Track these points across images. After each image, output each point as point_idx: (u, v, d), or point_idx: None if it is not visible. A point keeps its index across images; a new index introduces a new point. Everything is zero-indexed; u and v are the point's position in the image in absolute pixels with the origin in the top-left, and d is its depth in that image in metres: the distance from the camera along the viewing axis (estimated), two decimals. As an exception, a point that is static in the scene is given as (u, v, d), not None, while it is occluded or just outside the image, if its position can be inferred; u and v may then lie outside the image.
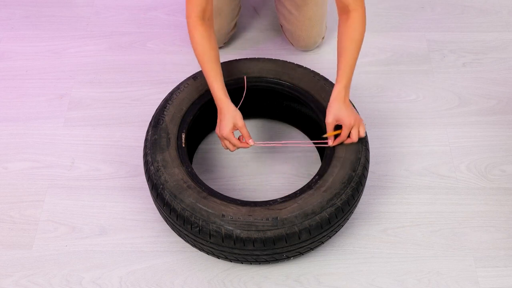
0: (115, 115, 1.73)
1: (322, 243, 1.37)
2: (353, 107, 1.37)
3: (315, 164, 1.59)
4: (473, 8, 2.02)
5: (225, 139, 1.35)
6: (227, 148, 1.37)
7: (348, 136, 1.33)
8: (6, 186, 1.58)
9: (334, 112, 1.32)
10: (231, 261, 1.39)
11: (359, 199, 1.38)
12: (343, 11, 1.35)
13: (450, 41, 1.91)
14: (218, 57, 1.38)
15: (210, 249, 1.32)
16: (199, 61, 1.38)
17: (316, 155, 1.61)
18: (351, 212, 1.37)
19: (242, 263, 1.41)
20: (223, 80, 1.37)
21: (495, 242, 1.45)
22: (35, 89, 1.80)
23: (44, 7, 2.05)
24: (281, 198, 1.30)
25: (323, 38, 1.86)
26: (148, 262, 1.43)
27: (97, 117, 1.72)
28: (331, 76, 1.49)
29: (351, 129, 1.32)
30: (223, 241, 1.27)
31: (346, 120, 1.31)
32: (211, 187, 1.43)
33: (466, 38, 1.92)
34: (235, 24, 1.87)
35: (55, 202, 1.55)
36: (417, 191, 1.55)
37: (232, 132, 1.34)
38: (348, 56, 1.34)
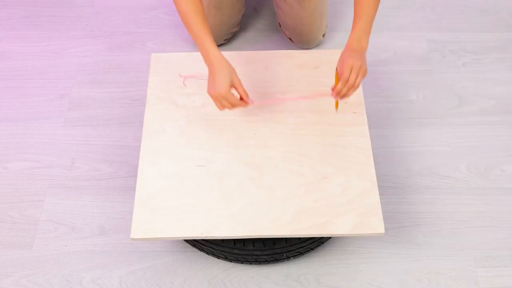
0: (115, 115, 1.73)
1: (322, 243, 1.37)
2: (364, 58, 1.27)
3: (315, 164, 1.59)
4: (473, 8, 2.02)
5: (223, 98, 1.23)
6: (223, 109, 1.25)
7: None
8: (6, 186, 1.58)
9: (343, 59, 1.24)
10: (231, 261, 1.39)
11: (359, 199, 1.38)
12: None
13: (450, 41, 1.91)
14: (204, 14, 1.29)
15: (210, 249, 1.32)
16: (185, 20, 1.28)
17: (316, 155, 1.61)
18: (351, 212, 1.37)
19: (242, 263, 1.41)
20: (213, 38, 1.29)
21: (495, 242, 1.46)
22: (35, 89, 1.81)
23: (44, 7, 2.05)
24: (281, 198, 1.30)
25: (323, 35, 1.86)
26: (148, 262, 1.43)
27: (97, 117, 1.72)
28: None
29: (351, 71, 1.22)
30: (223, 241, 1.27)
31: (348, 60, 1.22)
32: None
33: (466, 38, 1.92)
34: (239, 23, 1.87)
35: (55, 202, 1.55)
36: (417, 191, 1.55)
37: (230, 90, 1.23)
38: (365, 4, 1.27)
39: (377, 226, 1.20)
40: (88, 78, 1.83)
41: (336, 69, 1.28)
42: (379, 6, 1.34)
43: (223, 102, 1.23)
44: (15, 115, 1.74)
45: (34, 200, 1.55)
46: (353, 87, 1.23)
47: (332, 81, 1.44)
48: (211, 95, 1.24)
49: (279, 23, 1.88)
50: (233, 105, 1.24)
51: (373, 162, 1.29)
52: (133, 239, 1.20)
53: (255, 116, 1.37)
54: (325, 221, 1.20)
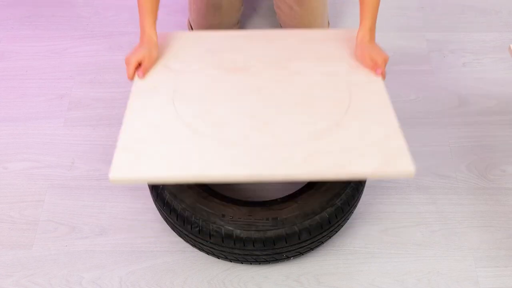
0: (115, 115, 1.73)
1: (322, 243, 1.37)
2: (380, 47, 1.35)
3: (315, 164, 1.59)
4: (473, 8, 2.02)
5: (127, 63, 1.31)
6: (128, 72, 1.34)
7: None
8: (6, 186, 1.58)
9: (368, 52, 1.31)
10: (231, 261, 1.39)
11: (359, 199, 1.38)
12: None
13: (450, 41, 1.91)
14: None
15: (210, 249, 1.32)
16: None
17: (316, 155, 1.61)
18: (351, 212, 1.37)
19: (242, 263, 1.41)
20: (156, 17, 1.34)
21: (495, 242, 1.46)
22: (35, 89, 1.81)
23: (44, 7, 2.06)
24: (281, 198, 1.30)
25: None
26: (148, 262, 1.43)
27: (97, 117, 1.72)
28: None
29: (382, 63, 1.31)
30: (223, 241, 1.28)
31: (380, 57, 1.30)
32: (211, 187, 1.43)
33: (466, 38, 1.92)
34: (238, 22, 1.87)
35: (55, 202, 1.55)
36: (417, 191, 1.55)
37: (135, 63, 1.30)
38: (370, 4, 1.33)
39: (405, 166, 1.05)
40: (88, 78, 1.83)
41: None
42: (379, 6, 1.35)
43: (127, 67, 1.32)
44: (15, 115, 1.74)
45: (34, 200, 1.55)
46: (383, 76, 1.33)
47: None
48: (125, 59, 1.34)
49: (280, 23, 1.88)
50: (128, 74, 1.32)
51: (392, 109, 1.21)
52: (112, 181, 1.04)
53: (259, 76, 1.29)
54: (343, 163, 1.06)
